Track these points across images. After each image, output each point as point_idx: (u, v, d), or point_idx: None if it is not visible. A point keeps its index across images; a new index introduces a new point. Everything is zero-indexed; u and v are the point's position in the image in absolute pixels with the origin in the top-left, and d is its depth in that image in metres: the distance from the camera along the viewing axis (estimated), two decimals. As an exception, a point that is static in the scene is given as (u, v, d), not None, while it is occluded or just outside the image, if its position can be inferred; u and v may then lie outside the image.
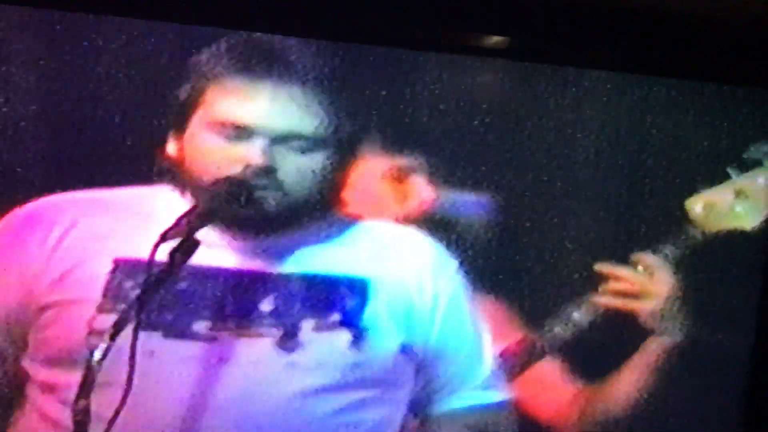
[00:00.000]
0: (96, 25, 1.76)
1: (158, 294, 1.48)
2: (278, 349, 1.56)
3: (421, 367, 1.66)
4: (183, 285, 1.56)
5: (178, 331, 1.54)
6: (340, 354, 1.57)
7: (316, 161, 1.58)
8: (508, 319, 1.86)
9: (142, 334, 1.42)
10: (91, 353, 1.33)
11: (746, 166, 1.81)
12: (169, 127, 1.62)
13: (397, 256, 1.68)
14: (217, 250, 1.58)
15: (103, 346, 1.34)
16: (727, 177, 1.82)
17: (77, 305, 1.54)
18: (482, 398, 1.72)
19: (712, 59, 1.77)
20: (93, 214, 1.62)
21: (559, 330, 1.80)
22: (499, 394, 1.74)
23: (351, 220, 1.70)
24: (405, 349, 1.63)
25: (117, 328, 1.36)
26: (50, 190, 1.65)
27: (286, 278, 1.60)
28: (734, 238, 1.81)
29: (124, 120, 1.77)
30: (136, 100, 1.76)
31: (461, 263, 1.71)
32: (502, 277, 1.83)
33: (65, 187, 1.66)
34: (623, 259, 1.81)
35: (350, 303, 1.61)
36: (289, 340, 1.56)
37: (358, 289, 1.62)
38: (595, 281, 1.81)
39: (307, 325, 1.57)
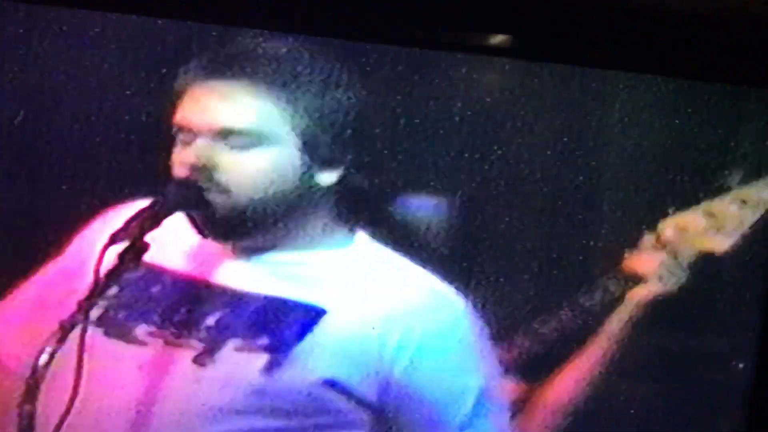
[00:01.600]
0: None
1: (109, 295, 1.54)
2: (193, 362, 1.56)
3: (381, 411, 1.59)
4: (138, 287, 1.59)
5: (118, 333, 1.57)
6: (249, 377, 1.55)
7: (258, 160, 1.56)
8: None
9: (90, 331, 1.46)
10: (38, 357, 1.37)
11: (717, 189, 1.79)
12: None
13: (377, 289, 1.62)
14: (185, 256, 1.61)
15: (49, 349, 1.39)
16: (698, 201, 1.80)
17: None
18: None
19: (712, 59, 1.73)
20: None
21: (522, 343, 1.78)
22: None
23: (334, 234, 1.65)
24: (339, 387, 1.57)
25: (64, 332, 1.41)
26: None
27: (237, 295, 1.60)
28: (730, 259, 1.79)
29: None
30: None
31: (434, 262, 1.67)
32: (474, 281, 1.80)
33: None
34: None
35: (288, 330, 1.57)
36: (206, 355, 1.56)
37: (303, 317, 1.58)
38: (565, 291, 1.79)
39: (231, 344, 1.57)
